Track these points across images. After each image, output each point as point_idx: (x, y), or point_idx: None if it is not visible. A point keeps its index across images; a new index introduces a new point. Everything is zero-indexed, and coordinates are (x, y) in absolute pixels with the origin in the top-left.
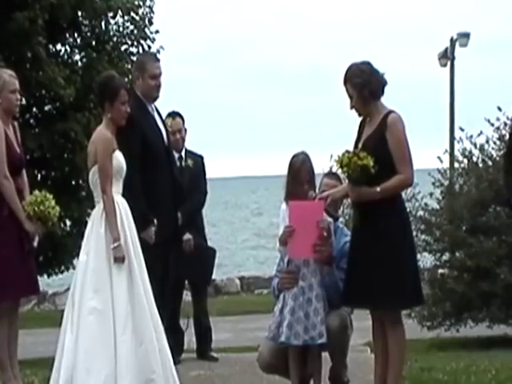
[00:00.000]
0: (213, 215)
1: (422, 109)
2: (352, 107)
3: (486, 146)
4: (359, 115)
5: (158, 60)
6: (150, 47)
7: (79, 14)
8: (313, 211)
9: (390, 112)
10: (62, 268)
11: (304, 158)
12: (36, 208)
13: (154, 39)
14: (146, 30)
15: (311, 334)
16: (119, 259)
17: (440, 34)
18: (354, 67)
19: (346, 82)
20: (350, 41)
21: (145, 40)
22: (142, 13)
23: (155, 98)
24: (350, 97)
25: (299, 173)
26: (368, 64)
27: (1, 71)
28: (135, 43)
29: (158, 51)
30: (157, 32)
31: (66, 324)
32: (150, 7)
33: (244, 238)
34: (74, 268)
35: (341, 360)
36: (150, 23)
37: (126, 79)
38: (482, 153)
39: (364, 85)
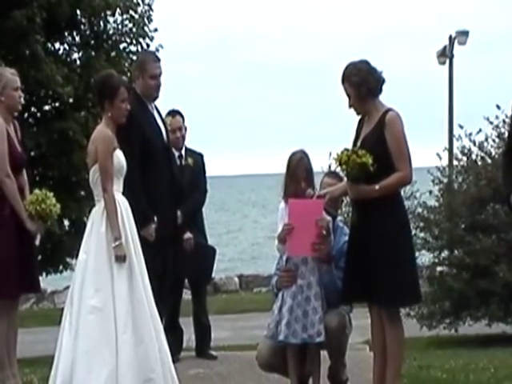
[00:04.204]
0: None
1: (421, 107)
2: (350, 106)
3: (485, 144)
4: (357, 114)
5: (159, 60)
6: (148, 45)
7: (77, 12)
8: (312, 210)
9: (389, 110)
10: (61, 267)
11: (301, 155)
12: (38, 207)
13: (152, 37)
14: (145, 28)
15: (309, 332)
16: (120, 258)
17: (439, 32)
18: (352, 66)
19: (343, 81)
20: (349, 39)
21: (143, 38)
22: (141, 11)
23: (155, 98)
24: (348, 96)
25: (296, 171)
26: (365, 62)
27: (3, 69)
28: (134, 41)
29: (157, 49)
30: (155, 30)
31: (64, 323)
32: (149, 5)
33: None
34: (72, 268)
35: (339, 359)
36: (149, 21)
37: (125, 78)
38: (480, 150)
39: (361, 83)
